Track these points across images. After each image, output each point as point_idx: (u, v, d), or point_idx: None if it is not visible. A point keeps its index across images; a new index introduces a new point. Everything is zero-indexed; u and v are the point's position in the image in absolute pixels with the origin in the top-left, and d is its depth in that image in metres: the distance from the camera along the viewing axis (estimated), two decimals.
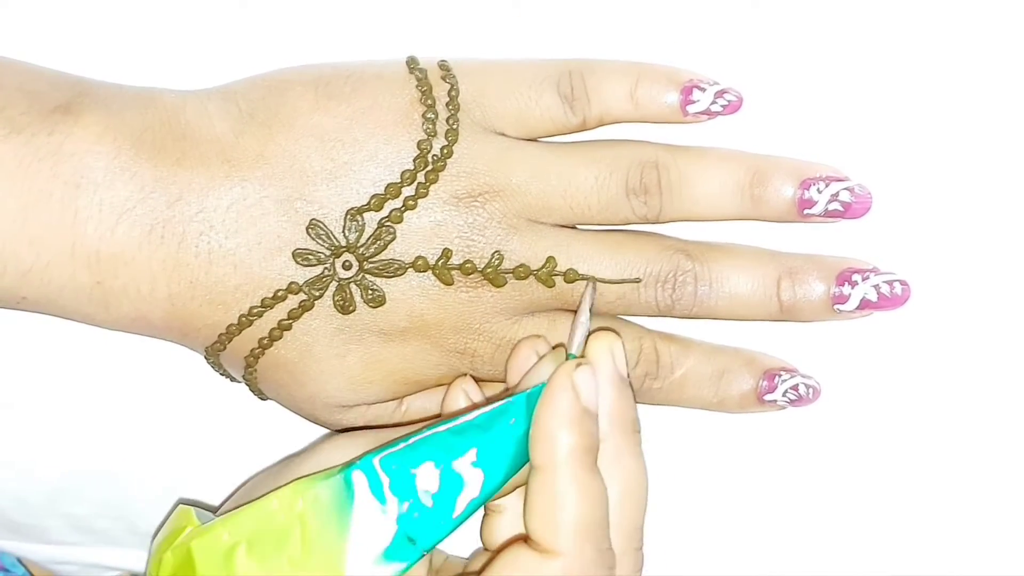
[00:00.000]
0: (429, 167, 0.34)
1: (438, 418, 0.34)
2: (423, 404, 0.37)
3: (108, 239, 0.32)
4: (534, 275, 0.34)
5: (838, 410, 0.37)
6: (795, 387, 0.36)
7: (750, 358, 0.37)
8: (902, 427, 0.38)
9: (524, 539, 0.32)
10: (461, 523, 0.31)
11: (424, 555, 0.31)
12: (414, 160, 0.33)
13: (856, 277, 0.35)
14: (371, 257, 0.34)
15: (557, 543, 0.31)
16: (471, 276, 0.34)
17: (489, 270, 0.34)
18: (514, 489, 0.33)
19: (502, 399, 0.32)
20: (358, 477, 0.31)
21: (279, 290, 0.33)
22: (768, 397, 0.37)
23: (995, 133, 0.36)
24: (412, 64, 0.35)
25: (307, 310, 0.34)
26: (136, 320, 0.34)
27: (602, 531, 0.31)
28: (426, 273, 0.34)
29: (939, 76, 0.36)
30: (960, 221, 0.37)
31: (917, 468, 0.38)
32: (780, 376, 0.36)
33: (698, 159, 0.35)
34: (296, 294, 0.34)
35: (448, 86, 0.34)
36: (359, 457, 0.31)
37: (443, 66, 0.35)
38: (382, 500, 0.31)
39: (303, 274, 0.34)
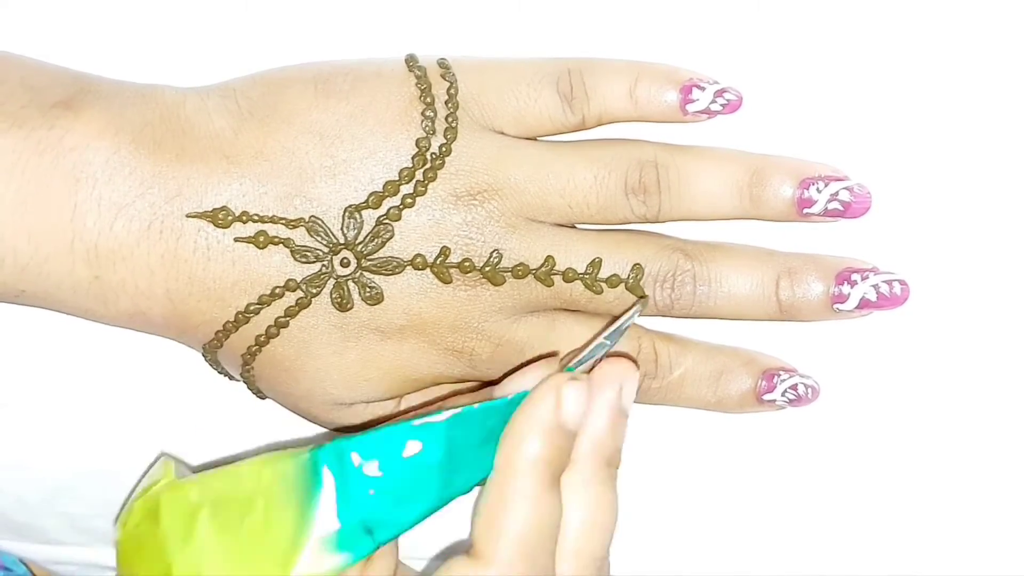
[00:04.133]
0: (428, 165, 0.34)
1: (426, 407, 0.34)
2: (421, 403, 0.37)
3: (107, 234, 0.32)
4: (533, 274, 0.34)
5: (837, 410, 0.37)
6: (794, 387, 0.36)
7: (749, 358, 0.37)
8: (901, 427, 0.38)
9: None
10: (420, 520, 0.31)
11: (377, 547, 0.30)
12: (413, 158, 0.33)
13: (855, 277, 0.35)
14: (369, 255, 0.34)
15: (493, 551, 0.29)
16: (469, 274, 0.34)
17: (487, 268, 0.34)
18: None
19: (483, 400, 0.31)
20: (326, 458, 0.30)
21: (276, 287, 0.33)
22: (767, 397, 0.36)
23: (995, 133, 0.36)
24: (411, 62, 0.35)
25: (304, 307, 0.34)
26: (134, 316, 0.34)
27: (543, 550, 0.30)
28: (424, 271, 0.34)
29: (939, 76, 0.36)
30: (960, 221, 0.37)
31: (916, 468, 0.38)
32: (779, 376, 0.36)
33: (697, 158, 0.35)
34: (294, 291, 0.34)
35: (447, 84, 0.34)
36: (330, 440, 0.31)
37: (442, 64, 0.35)
38: (345, 486, 0.30)
39: (301, 271, 0.34)
